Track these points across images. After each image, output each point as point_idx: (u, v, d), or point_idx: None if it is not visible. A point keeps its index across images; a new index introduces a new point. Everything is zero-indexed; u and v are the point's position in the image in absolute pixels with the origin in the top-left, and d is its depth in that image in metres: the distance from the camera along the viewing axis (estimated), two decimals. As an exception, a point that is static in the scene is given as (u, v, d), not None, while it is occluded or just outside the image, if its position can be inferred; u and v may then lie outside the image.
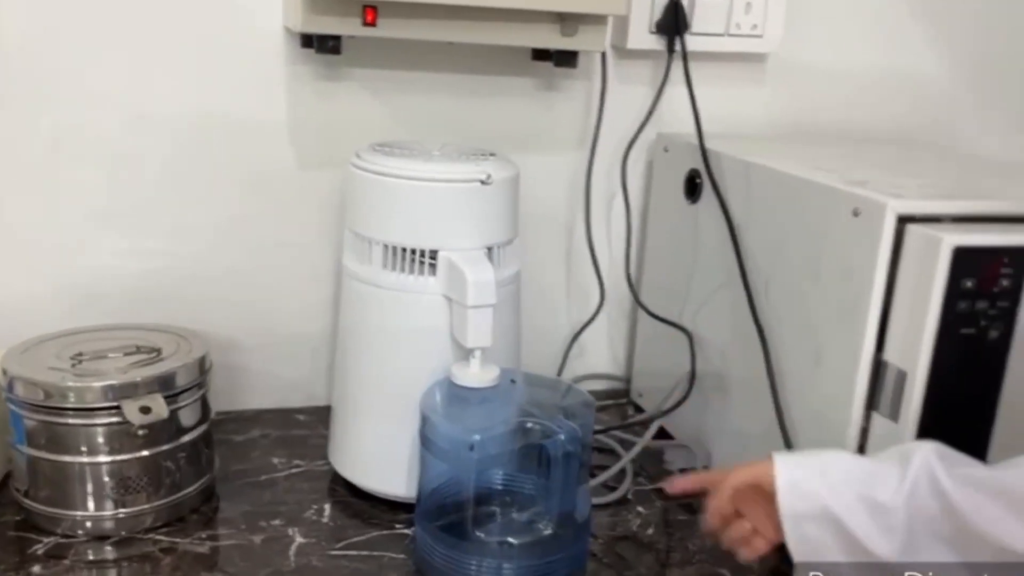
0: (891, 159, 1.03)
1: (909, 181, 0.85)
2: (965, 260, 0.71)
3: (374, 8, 0.89)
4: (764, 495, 0.71)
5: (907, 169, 0.97)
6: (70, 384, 0.83)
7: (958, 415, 0.76)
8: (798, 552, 0.69)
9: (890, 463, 0.68)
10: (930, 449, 0.68)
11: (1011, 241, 0.73)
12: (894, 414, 0.76)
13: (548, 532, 0.81)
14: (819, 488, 0.68)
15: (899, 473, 0.67)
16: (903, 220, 0.74)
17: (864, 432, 0.79)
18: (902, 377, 0.75)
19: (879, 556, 0.66)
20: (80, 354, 0.88)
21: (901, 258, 0.74)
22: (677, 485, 0.79)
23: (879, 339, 0.77)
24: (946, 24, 1.21)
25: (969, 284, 0.72)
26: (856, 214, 0.77)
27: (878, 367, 0.77)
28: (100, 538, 0.85)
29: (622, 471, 0.98)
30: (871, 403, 0.79)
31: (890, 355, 0.76)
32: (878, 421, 0.78)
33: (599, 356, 1.22)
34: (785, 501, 0.69)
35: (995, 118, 1.25)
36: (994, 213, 0.76)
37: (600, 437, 1.06)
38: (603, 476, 0.96)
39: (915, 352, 0.73)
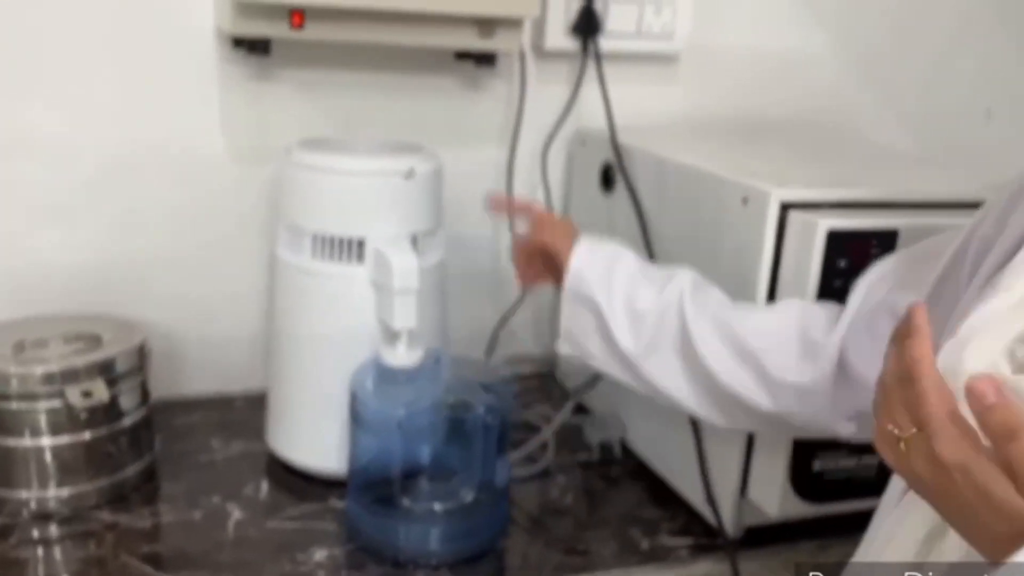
0: (786, 150, 1.11)
1: (796, 171, 0.94)
2: (838, 242, 0.79)
3: (301, 12, 0.94)
4: (554, 263, 0.87)
5: (798, 159, 1.05)
6: (13, 370, 0.87)
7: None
8: (565, 328, 0.86)
9: (658, 278, 0.82)
10: (688, 277, 0.82)
11: (880, 224, 0.81)
12: (782, 383, 0.84)
13: (470, 499, 0.87)
14: (598, 284, 0.83)
15: (660, 287, 0.82)
16: (786, 207, 0.82)
17: (757, 400, 0.87)
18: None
19: (624, 350, 0.82)
20: (22, 342, 0.92)
21: (784, 241, 0.82)
22: (496, 200, 0.93)
23: (767, 316, 0.84)
24: (846, 18, 1.30)
25: (843, 264, 0.80)
26: (745, 202, 0.85)
27: (767, 341, 0.85)
28: (44, 517, 0.89)
29: (545, 445, 1.05)
30: (763, 374, 0.87)
31: (777, 329, 0.84)
32: (769, 390, 0.86)
33: (526, 339, 1.29)
34: (570, 285, 0.84)
35: (887, 107, 1.35)
36: (868, 200, 0.85)
37: (526, 416, 1.13)
38: (525, 448, 1.03)
39: (797, 326, 0.81)
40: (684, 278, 0.82)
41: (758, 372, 0.77)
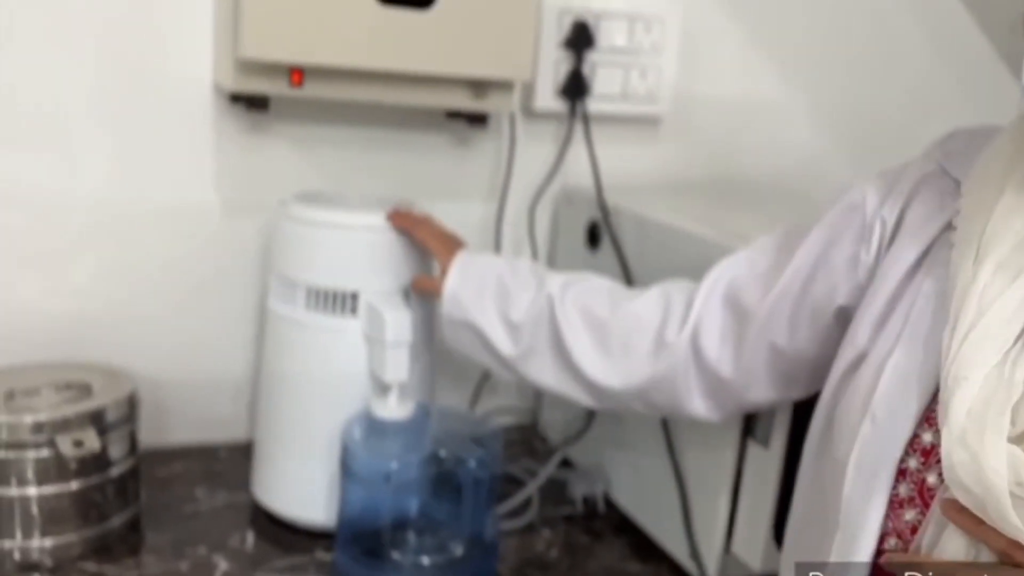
0: (767, 209, 1.15)
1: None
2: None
3: (301, 71, 0.96)
4: None
5: (778, 219, 1.08)
6: (2, 419, 0.87)
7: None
8: (452, 344, 0.94)
9: (530, 286, 0.90)
10: (559, 283, 0.88)
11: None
12: (765, 441, 0.87)
13: (459, 553, 0.88)
14: (472, 306, 0.90)
15: (532, 296, 0.89)
16: (769, 268, 0.85)
17: (741, 457, 0.89)
18: (772, 409, 0.85)
19: (507, 356, 0.90)
20: (12, 390, 0.92)
21: (768, 302, 0.85)
22: (396, 216, 0.96)
23: (752, 374, 0.87)
24: (822, 89, 1.35)
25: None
26: (730, 263, 0.87)
27: (751, 400, 0.87)
28: (29, 567, 0.88)
29: (530, 499, 1.06)
30: (747, 432, 0.89)
31: (761, 388, 0.86)
32: (753, 448, 0.88)
33: (509, 393, 1.30)
34: (446, 309, 0.92)
35: (861, 169, 1.39)
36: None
37: (509, 468, 1.14)
38: (510, 502, 1.04)
39: (781, 385, 0.84)
40: (554, 283, 0.89)
41: (618, 364, 0.85)
